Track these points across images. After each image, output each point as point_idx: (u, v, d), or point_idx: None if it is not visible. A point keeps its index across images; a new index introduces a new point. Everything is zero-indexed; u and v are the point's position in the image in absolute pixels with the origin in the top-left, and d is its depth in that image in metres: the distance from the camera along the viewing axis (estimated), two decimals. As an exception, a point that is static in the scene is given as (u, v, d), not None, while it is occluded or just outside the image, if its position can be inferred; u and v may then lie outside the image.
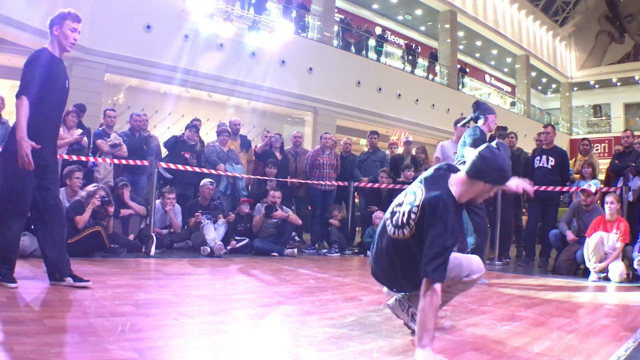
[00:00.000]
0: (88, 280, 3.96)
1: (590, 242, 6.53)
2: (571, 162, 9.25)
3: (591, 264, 6.52)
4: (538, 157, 8.18)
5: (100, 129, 8.09)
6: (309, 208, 9.54)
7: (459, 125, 6.93)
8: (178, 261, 6.29)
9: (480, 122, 5.86)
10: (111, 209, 6.16)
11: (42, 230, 4.02)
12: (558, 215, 8.17)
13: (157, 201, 7.37)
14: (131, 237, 6.84)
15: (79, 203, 5.89)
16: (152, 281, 4.78)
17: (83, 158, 7.10)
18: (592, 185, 7.67)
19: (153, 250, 6.52)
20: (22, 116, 3.69)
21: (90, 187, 6.13)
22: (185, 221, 7.62)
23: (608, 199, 6.70)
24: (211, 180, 7.75)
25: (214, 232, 7.13)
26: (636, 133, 9.12)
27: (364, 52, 19.63)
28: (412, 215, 2.71)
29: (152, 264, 5.88)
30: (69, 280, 3.93)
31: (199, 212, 7.33)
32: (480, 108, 5.97)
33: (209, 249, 6.91)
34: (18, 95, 3.72)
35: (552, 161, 7.96)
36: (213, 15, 13.42)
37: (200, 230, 7.22)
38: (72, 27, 3.97)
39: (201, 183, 7.73)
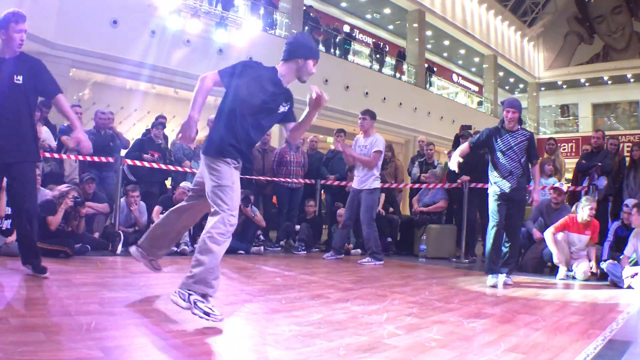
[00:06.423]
0: None
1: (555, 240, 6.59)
2: (537, 161, 9.34)
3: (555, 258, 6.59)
4: None
5: (65, 125, 7.98)
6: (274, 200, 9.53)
7: None
8: (143, 259, 6.24)
9: None
10: (83, 211, 6.07)
11: None
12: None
13: (122, 199, 7.30)
14: (96, 234, 6.77)
15: (50, 203, 5.76)
16: (117, 279, 4.76)
17: (47, 155, 7.01)
18: (564, 184, 7.78)
19: (120, 248, 6.47)
20: None
21: (63, 187, 6.02)
22: (151, 219, 7.53)
23: (588, 206, 6.50)
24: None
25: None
26: (606, 133, 9.23)
27: (332, 50, 19.67)
28: None
29: (117, 262, 5.83)
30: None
31: None
32: None
33: (175, 249, 6.88)
34: None
35: None
36: (180, 11, 13.29)
37: None
38: (17, 29, 3.92)
39: (181, 184, 7.61)
